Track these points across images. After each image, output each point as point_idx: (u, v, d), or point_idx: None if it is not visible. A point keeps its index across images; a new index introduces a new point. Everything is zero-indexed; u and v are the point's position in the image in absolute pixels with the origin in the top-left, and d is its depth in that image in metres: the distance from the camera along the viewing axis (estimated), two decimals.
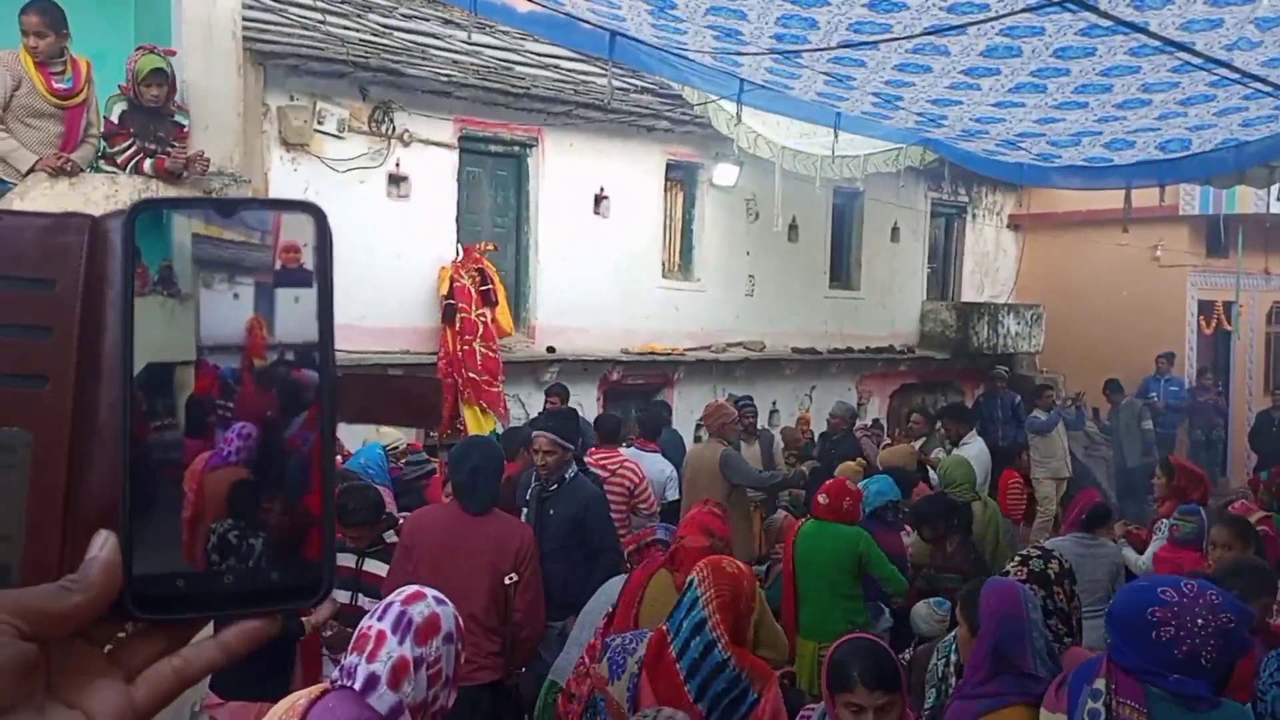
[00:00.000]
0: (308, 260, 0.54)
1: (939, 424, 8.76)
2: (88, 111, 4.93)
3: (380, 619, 2.16)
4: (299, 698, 2.21)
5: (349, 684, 2.09)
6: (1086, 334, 13.42)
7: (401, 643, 2.12)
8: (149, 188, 4.94)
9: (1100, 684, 2.33)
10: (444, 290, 8.46)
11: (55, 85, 4.78)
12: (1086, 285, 13.59)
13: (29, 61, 4.74)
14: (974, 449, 7.81)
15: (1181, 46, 4.32)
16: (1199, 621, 2.28)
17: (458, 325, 8.40)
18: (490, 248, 8.92)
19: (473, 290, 8.46)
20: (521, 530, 4.37)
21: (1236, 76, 4.64)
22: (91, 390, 0.53)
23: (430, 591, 2.23)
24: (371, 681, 2.08)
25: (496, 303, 8.71)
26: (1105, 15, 3.97)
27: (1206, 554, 4.77)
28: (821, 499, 5.20)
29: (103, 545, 0.50)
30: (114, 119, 4.96)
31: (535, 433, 5.16)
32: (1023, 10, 3.91)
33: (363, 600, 3.89)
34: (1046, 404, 11.15)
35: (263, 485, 0.52)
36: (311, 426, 0.53)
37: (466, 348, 8.44)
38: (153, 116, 4.98)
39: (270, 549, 0.52)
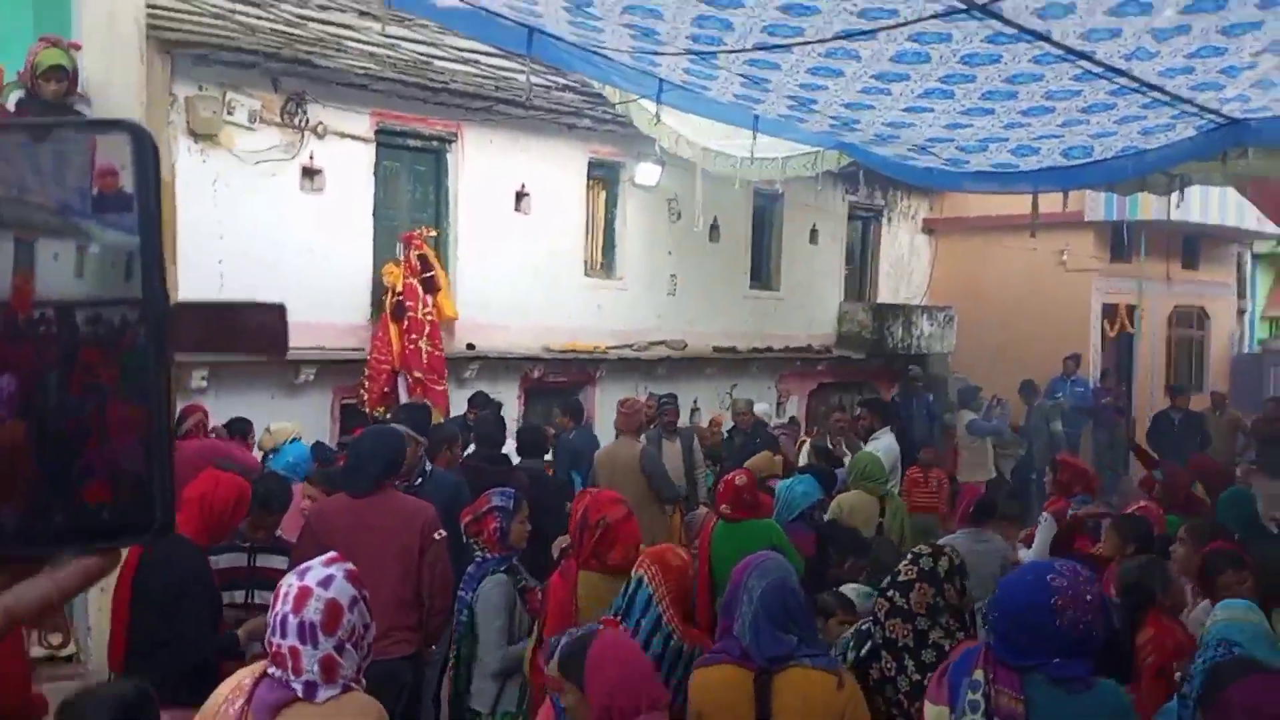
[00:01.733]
0: (127, 183, 0.51)
1: (859, 412, 8.93)
2: None
3: (284, 635, 2.14)
4: (244, 675, 2.23)
5: (290, 689, 2.12)
6: (997, 335, 13.79)
7: (316, 646, 2.12)
8: None
9: (979, 675, 2.41)
10: (397, 286, 8.32)
11: None
12: (997, 288, 13.97)
13: None
14: (884, 444, 8.01)
15: (1082, 55, 4.46)
16: (1088, 597, 2.41)
17: (405, 323, 8.30)
18: (431, 233, 8.86)
19: (416, 282, 8.40)
20: (424, 507, 4.34)
21: (1135, 85, 4.80)
22: None
23: (311, 576, 2.21)
24: (310, 688, 2.11)
25: (439, 289, 8.67)
26: (1009, 23, 4.07)
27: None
28: (725, 509, 5.21)
29: None
30: (10, 107, 4.76)
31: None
32: (931, 17, 3.99)
33: (259, 596, 3.82)
34: (977, 407, 11.41)
35: (48, 431, 0.51)
36: (98, 368, 0.51)
37: (412, 346, 8.37)
38: (51, 108, 4.79)
39: (90, 487, 0.51)
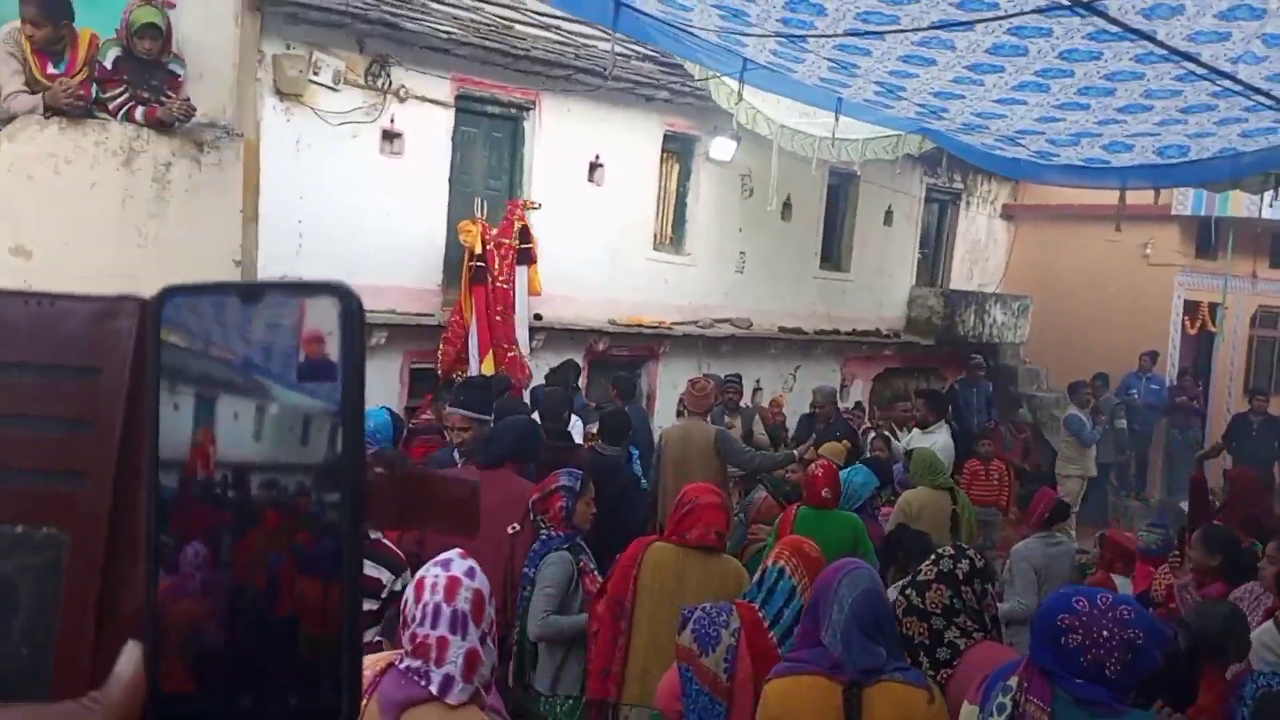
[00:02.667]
0: (332, 350, 0.50)
1: (914, 404, 8.83)
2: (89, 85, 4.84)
3: (434, 624, 2.11)
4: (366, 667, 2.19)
5: (424, 686, 2.07)
6: (1071, 327, 13.48)
7: (465, 637, 2.10)
8: (140, 136, 4.87)
9: (1014, 681, 2.41)
10: (475, 248, 8.31)
11: (49, 70, 4.71)
12: (1075, 279, 13.63)
13: (27, 44, 4.67)
14: (940, 439, 7.92)
15: (1187, 56, 4.30)
16: (1104, 633, 2.37)
17: (488, 289, 8.35)
18: (535, 205, 8.96)
19: (510, 248, 8.52)
20: (517, 484, 4.47)
21: (1239, 89, 4.63)
22: (132, 490, 0.50)
23: (457, 566, 2.19)
24: (448, 682, 2.07)
25: (535, 261, 8.77)
26: (1114, 21, 3.95)
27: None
28: (826, 493, 5.25)
29: (128, 661, 0.47)
30: (107, 64, 4.87)
31: (448, 410, 5.13)
32: (1032, 11, 3.88)
33: (370, 569, 3.79)
34: (1083, 401, 11.19)
35: (235, 605, 0.48)
36: (288, 538, 0.49)
37: (499, 316, 8.46)
38: (146, 65, 4.89)
39: (279, 674, 0.48)
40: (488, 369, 8.34)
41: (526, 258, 8.68)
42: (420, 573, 2.24)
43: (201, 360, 0.48)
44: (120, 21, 4.93)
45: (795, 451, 7.45)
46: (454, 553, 2.25)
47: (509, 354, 8.56)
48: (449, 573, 2.17)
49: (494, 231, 8.58)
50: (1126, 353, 12.82)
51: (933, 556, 3.28)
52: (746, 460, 6.90)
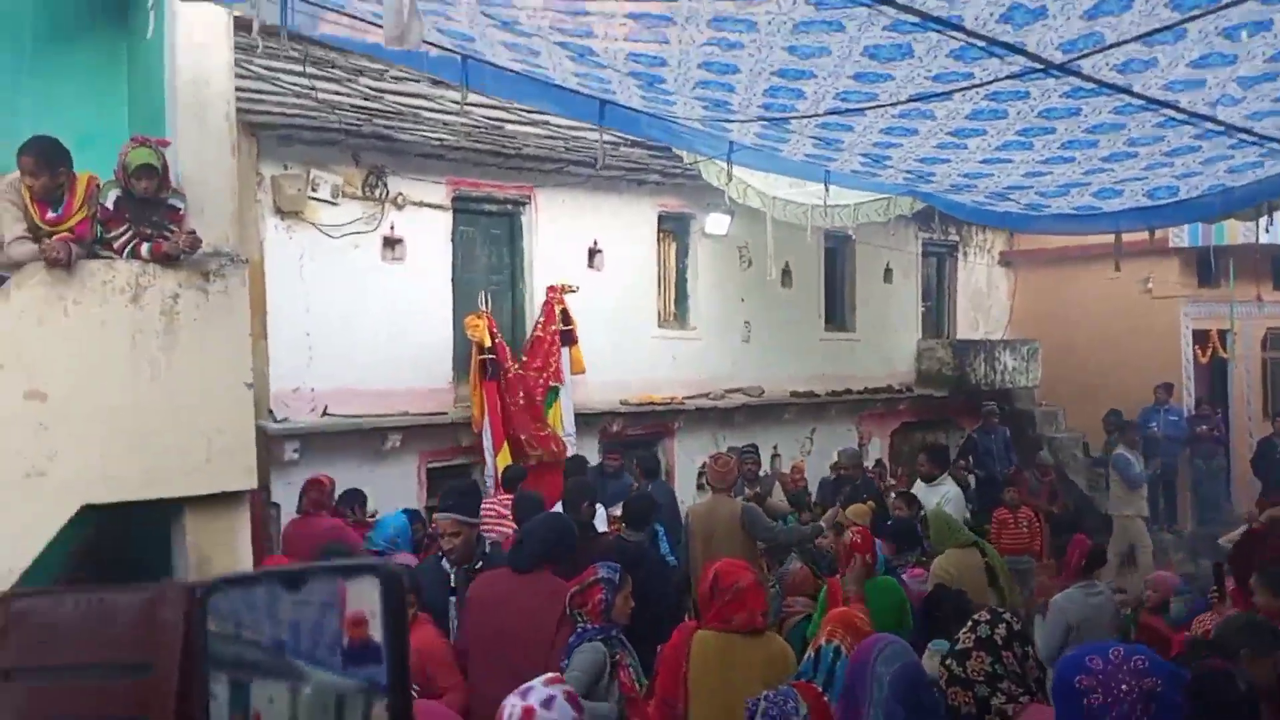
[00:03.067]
0: (375, 630, 0.51)
1: (920, 459, 8.75)
2: (89, 224, 4.96)
3: None
4: None
5: None
6: (1083, 367, 13.46)
7: None
8: (146, 272, 4.96)
9: None
10: (484, 343, 8.45)
11: (48, 215, 4.84)
12: (1080, 319, 13.64)
13: (27, 193, 4.80)
14: (949, 492, 7.89)
15: (1166, 104, 4.37)
16: (1123, 687, 2.35)
17: (501, 382, 8.55)
18: (573, 289, 9.31)
19: (559, 329, 9.06)
20: (561, 589, 4.39)
21: (1221, 129, 4.69)
22: None
23: (534, 696, 2.17)
24: None
25: (576, 341, 9.22)
26: (1089, 79, 4.02)
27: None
28: (868, 559, 5.26)
29: None
30: (109, 205, 4.98)
31: (436, 516, 4.93)
32: (1007, 78, 3.96)
33: None
34: (1131, 442, 11.12)
35: None
36: None
37: (516, 406, 8.64)
38: (147, 203, 5.00)
39: None
40: (503, 462, 8.36)
41: (569, 339, 9.17)
42: (504, 702, 2.23)
43: (248, 650, 0.50)
44: (117, 163, 5.06)
45: (823, 522, 7.41)
46: (540, 679, 2.24)
47: (540, 433, 8.72)
48: (525, 702, 2.16)
49: (541, 319, 9.12)
50: (1141, 387, 12.78)
51: (969, 623, 3.24)
52: (774, 535, 6.88)
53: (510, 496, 6.84)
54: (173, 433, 5.07)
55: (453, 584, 4.70)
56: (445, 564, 4.76)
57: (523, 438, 8.61)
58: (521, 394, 8.75)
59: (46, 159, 4.81)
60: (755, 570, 4.13)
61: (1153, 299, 13.30)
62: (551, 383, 9.07)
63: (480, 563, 4.72)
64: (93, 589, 0.54)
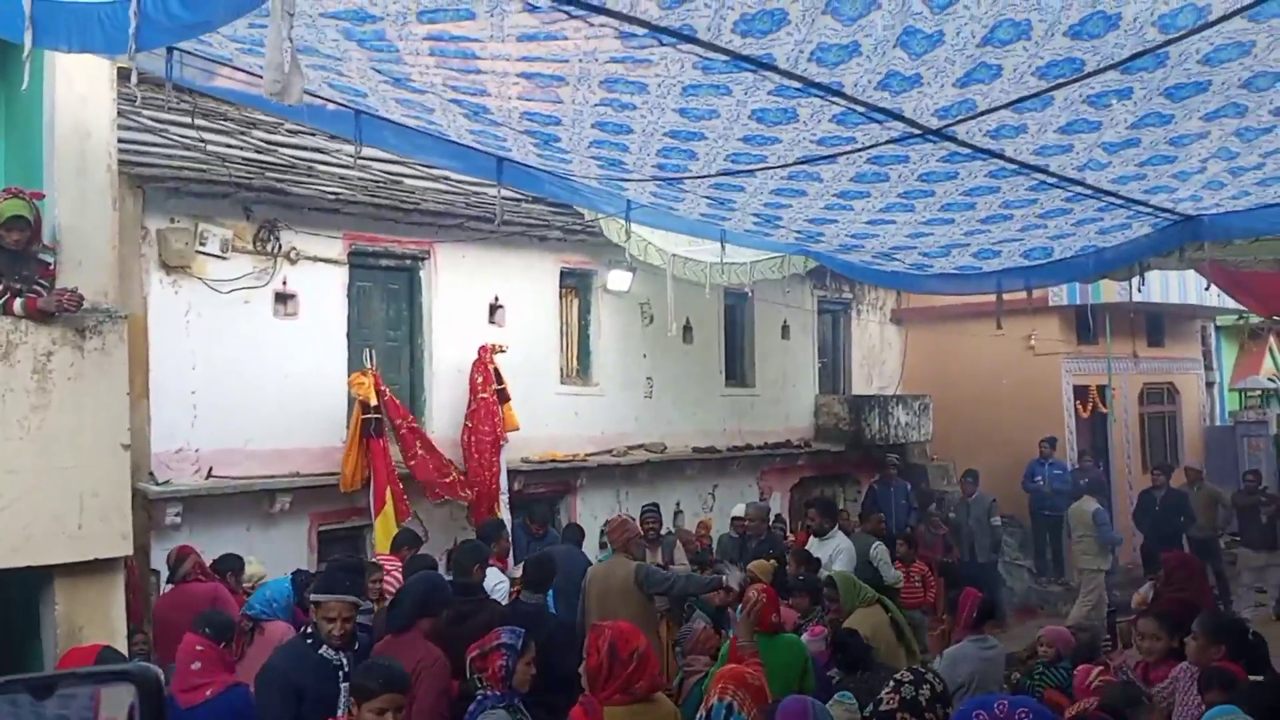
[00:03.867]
0: None
1: (809, 513, 8.86)
2: None
3: None
4: None
5: None
6: (973, 421, 13.89)
7: None
8: (17, 329, 4.74)
9: None
10: (370, 400, 8.28)
11: None
12: (969, 374, 14.12)
13: None
14: (839, 544, 8.03)
15: (1036, 168, 4.60)
16: None
17: (391, 439, 8.45)
18: (502, 350, 9.41)
19: (495, 389, 9.21)
20: (422, 651, 4.55)
21: (1090, 192, 4.95)
22: None
23: None
24: None
25: (509, 399, 9.36)
26: (964, 144, 4.21)
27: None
28: (775, 618, 5.25)
29: None
30: None
31: (317, 597, 4.35)
32: (887, 142, 4.12)
33: None
34: (1104, 498, 11.64)
35: None
36: None
37: (416, 458, 8.59)
38: (16, 257, 4.81)
39: None
40: (383, 523, 8.13)
41: (503, 397, 9.30)
42: None
43: None
44: None
45: (731, 583, 7.41)
46: None
47: (445, 479, 8.78)
48: None
49: (479, 379, 9.24)
50: (1025, 441, 13.24)
51: (892, 683, 3.26)
52: (669, 586, 6.83)
53: (397, 559, 6.65)
54: (44, 496, 4.83)
55: (345, 671, 4.21)
56: (327, 651, 4.25)
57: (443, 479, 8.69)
58: (418, 445, 8.63)
59: None
60: (646, 632, 4.07)
61: (1035, 355, 13.86)
62: (501, 441, 9.25)
63: (357, 643, 4.39)
64: None
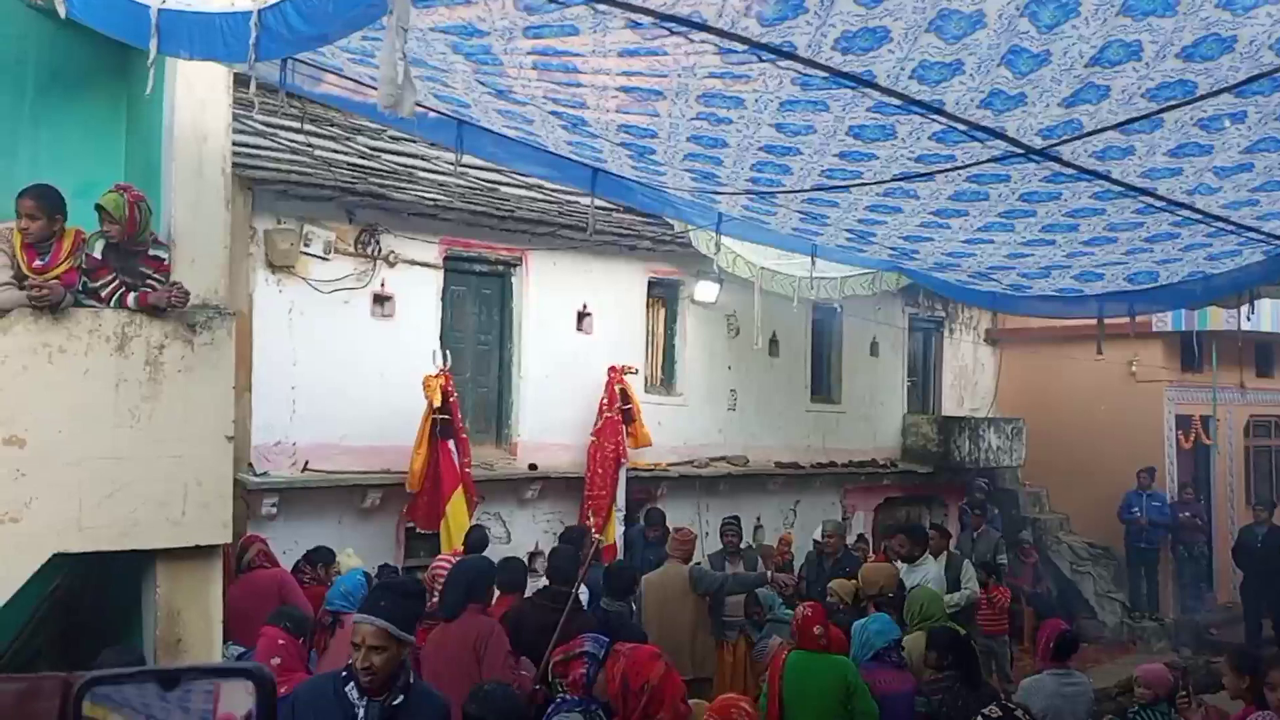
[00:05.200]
0: None
1: (899, 539, 8.67)
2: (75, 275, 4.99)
3: None
4: None
5: None
6: (1068, 448, 13.49)
7: None
8: (132, 321, 4.97)
9: None
10: (435, 401, 8.33)
11: (35, 263, 4.88)
12: (1065, 399, 13.72)
13: (18, 240, 4.85)
14: (929, 571, 7.84)
15: (1144, 191, 4.47)
16: None
17: (451, 441, 8.35)
18: (633, 370, 9.73)
19: (620, 407, 9.46)
20: (481, 625, 5.02)
21: (1199, 217, 4.79)
22: None
23: None
24: None
25: (635, 419, 9.63)
26: (1069, 165, 4.12)
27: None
28: (818, 630, 5.16)
29: None
30: (96, 255, 5.01)
31: (356, 616, 3.54)
32: (988, 161, 4.05)
33: None
34: None
35: None
36: None
37: (468, 468, 8.51)
38: (131, 253, 5.04)
39: None
40: (448, 525, 8.13)
41: (629, 417, 9.56)
42: None
43: None
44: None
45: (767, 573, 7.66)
46: None
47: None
48: None
49: (604, 399, 9.40)
50: (1123, 469, 12.81)
51: (980, 717, 3.21)
52: (720, 585, 7.09)
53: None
54: (151, 483, 5.04)
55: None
56: (352, 691, 3.34)
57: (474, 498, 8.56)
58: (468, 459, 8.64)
59: (47, 204, 4.86)
60: (661, 658, 3.97)
61: (1136, 382, 13.40)
62: (622, 460, 9.45)
63: (401, 697, 3.34)
64: None
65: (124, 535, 4.98)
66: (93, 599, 6.23)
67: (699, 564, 7.41)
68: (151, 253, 5.16)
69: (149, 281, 5.06)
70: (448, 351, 8.65)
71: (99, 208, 5.01)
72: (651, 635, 6.68)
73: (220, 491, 5.23)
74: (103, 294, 4.99)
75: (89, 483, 4.86)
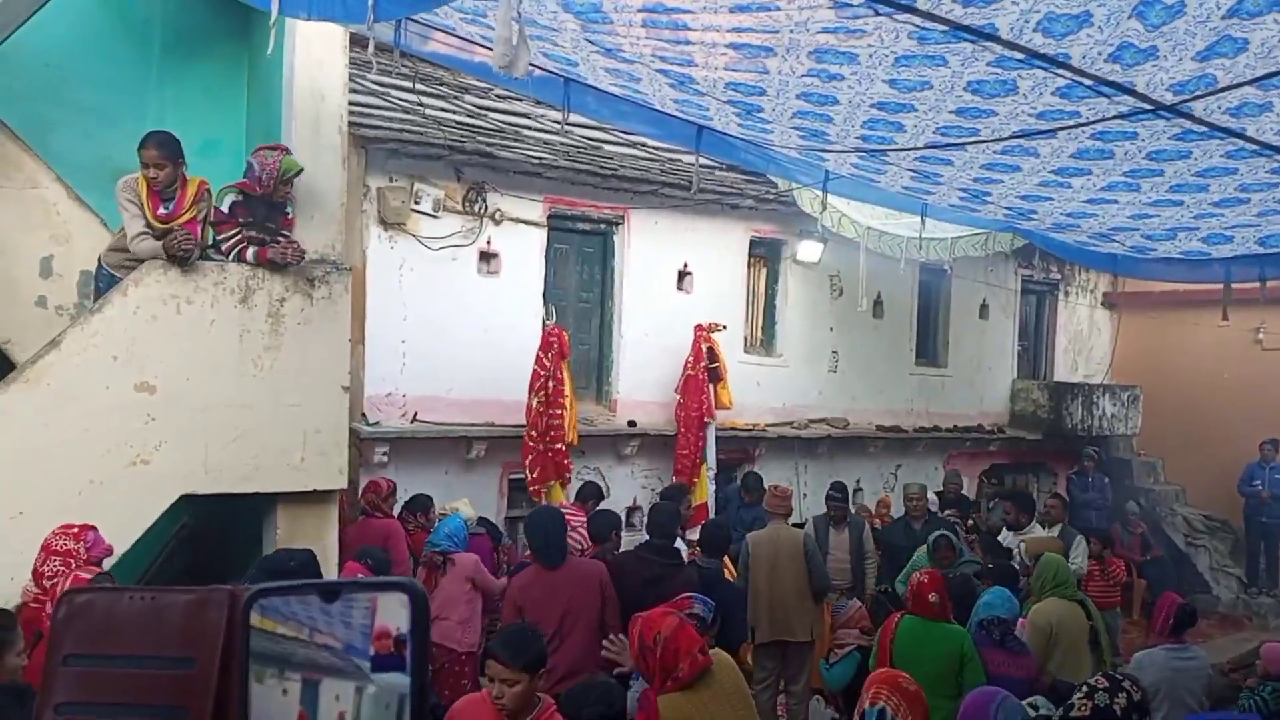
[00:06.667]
0: (401, 641, 0.57)
1: (1005, 506, 8.46)
2: (197, 225, 5.19)
3: None
4: None
5: None
6: (1186, 417, 12.96)
7: None
8: (255, 275, 5.18)
9: None
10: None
11: (159, 210, 5.07)
12: (1185, 366, 13.16)
13: (144, 188, 5.05)
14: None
15: None
16: None
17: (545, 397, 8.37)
18: (721, 327, 9.56)
19: (706, 367, 9.31)
20: (597, 567, 5.42)
21: None
22: None
23: None
24: None
25: (722, 379, 9.47)
26: (1201, 122, 3.91)
27: None
28: (933, 598, 5.09)
29: None
30: (224, 209, 5.22)
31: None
32: (1114, 118, 3.88)
33: None
34: None
35: None
36: None
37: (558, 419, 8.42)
38: (271, 207, 5.24)
39: None
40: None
41: (715, 376, 9.40)
42: None
43: (286, 648, 0.55)
44: (254, 169, 5.23)
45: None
46: None
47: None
48: None
49: (690, 358, 9.31)
50: (1245, 441, 12.25)
51: (1084, 688, 3.12)
52: (821, 578, 7.06)
53: (581, 513, 6.88)
54: (272, 430, 5.28)
55: None
56: None
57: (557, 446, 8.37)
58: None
59: (169, 150, 5.05)
60: (672, 614, 3.81)
61: (1263, 350, 12.75)
62: (706, 418, 9.38)
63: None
64: (148, 589, 0.60)
65: (247, 479, 5.24)
66: (217, 539, 6.58)
67: (807, 533, 7.38)
68: (288, 210, 5.37)
69: (276, 237, 5.26)
70: (553, 308, 8.77)
71: (299, 173, 5.19)
72: (759, 591, 6.78)
73: (336, 439, 5.45)
74: (224, 247, 5.20)
75: (214, 428, 5.12)
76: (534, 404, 8.15)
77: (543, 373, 8.12)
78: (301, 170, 5.24)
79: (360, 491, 6.96)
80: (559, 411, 8.21)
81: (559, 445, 8.20)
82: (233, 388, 5.17)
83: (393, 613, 0.57)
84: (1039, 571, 5.96)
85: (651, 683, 3.69)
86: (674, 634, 3.63)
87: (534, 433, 8.14)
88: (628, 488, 9.58)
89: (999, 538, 7.92)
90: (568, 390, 8.29)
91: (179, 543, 6.38)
